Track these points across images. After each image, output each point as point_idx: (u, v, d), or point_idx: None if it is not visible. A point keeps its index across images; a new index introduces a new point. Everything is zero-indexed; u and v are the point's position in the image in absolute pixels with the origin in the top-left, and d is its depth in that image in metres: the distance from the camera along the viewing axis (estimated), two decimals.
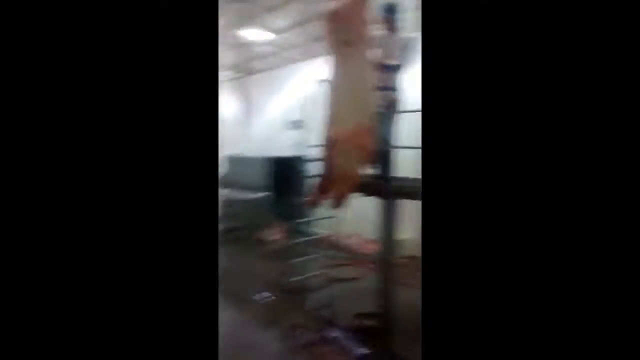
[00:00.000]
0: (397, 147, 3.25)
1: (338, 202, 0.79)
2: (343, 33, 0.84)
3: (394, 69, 2.73)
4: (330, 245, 5.34)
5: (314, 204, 0.84)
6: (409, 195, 2.84)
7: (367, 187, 2.90)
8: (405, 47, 2.74)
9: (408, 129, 5.20)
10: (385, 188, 2.90)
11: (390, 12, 2.78)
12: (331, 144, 0.83)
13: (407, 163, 5.37)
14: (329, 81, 0.85)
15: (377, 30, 2.95)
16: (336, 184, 0.80)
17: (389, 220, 3.04)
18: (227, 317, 3.80)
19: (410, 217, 4.16)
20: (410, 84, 5.67)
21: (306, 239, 5.05)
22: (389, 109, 2.83)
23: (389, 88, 2.81)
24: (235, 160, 8.56)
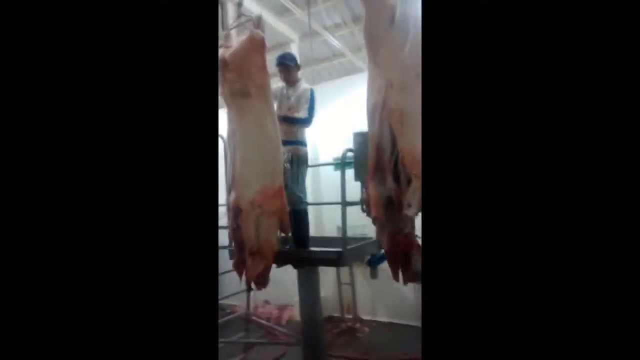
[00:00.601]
0: (312, 203, 2.97)
1: (257, 282, 0.60)
2: (239, 83, 0.95)
3: (300, 121, 2.52)
4: (244, 320, 4.65)
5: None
6: (330, 261, 2.51)
7: (283, 256, 2.51)
8: (307, 98, 2.56)
9: (325, 184, 5.19)
10: (303, 255, 2.54)
11: (288, 62, 2.64)
12: (236, 213, 0.79)
13: (328, 218, 5.29)
14: (225, 138, 0.82)
15: (277, 81, 2.77)
16: (251, 261, 0.89)
17: (309, 291, 2.65)
18: None
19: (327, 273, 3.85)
20: (318, 136, 5.72)
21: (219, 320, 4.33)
22: (299, 164, 2.57)
23: (296, 142, 2.57)
24: None
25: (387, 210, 1.92)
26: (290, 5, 5.31)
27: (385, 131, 1.86)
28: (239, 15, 2.29)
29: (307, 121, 2.55)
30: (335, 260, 2.42)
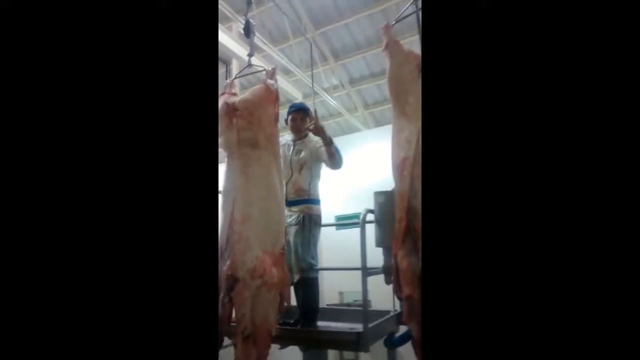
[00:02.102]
0: (323, 268, 2.59)
1: None
2: (249, 131, 0.94)
3: (338, 152, 2.22)
4: None
5: None
6: (348, 344, 2.07)
7: (288, 335, 2.08)
8: (317, 156, 2.32)
9: (326, 245, 4.83)
10: (313, 334, 2.11)
11: (306, 109, 2.44)
12: (231, 285, 0.51)
13: (327, 283, 4.85)
14: (225, 192, 0.90)
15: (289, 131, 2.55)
16: (242, 348, 1.04)
17: None
18: None
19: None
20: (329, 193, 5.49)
21: None
22: (311, 225, 2.24)
23: (310, 200, 2.26)
24: None
25: (420, 287, 1.58)
26: (292, 67, 5.37)
27: (418, 190, 1.59)
28: (249, 64, 2.14)
29: (341, 159, 2.26)
30: (355, 343, 1.94)
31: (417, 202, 1.60)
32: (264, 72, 2.06)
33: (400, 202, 1.68)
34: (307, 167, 2.33)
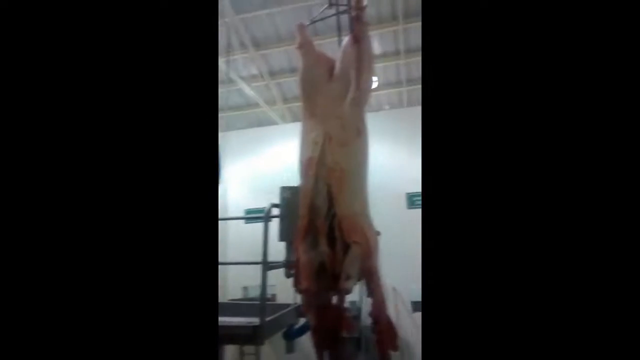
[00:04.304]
0: (223, 263, 2.52)
1: None
2: None
3: None
4: None
5: None
6: (244, 338, 2.04)
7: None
8: None
9: (233, 239, 4.69)
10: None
11: None
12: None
13: (232, 277, 4.70)
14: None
15: None
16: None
17: None
18: None
19: None
20: (226, 185, 5.30)
21: None
22: None
23: None
24: None
25: (319, 280, 1.66)
26: None
27: (322, 190, 1.66)
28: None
29: None
30: (251, 337, 1.92)
31: (320, 201, 1.67)
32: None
33: (303, 200, 1.73)
34: None
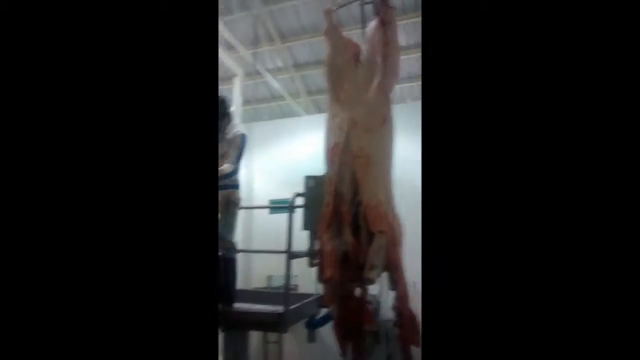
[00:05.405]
0: (247, 250, 2.54)
1: None
2: None
3: (226, 177, 2.20)
4: None
5: None
6: (268, 325, 2.07)
7: None
8: (236, 144, 2.26)
9: (258, 228, 4.73)
10: (232, 315, 2.08)
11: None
12: None
13: (257, 267, 4.79)
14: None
15: None
16: None
17: None
18: None
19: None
20: (252, 175, 5.34)
21: None
22: (229, 207, 2.21)
23: (231, 186, 2.23)
24: None
25: (343, 269, 1.64)
26: (235, 42, 5.13)
27: (346, 176, 1.64)
28: None
29: (232, 174, 2.24)
30: (275, 324, 1.95)
31: (345, 188, 1.65)
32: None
33: (328, 187, 1.71)
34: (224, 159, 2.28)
